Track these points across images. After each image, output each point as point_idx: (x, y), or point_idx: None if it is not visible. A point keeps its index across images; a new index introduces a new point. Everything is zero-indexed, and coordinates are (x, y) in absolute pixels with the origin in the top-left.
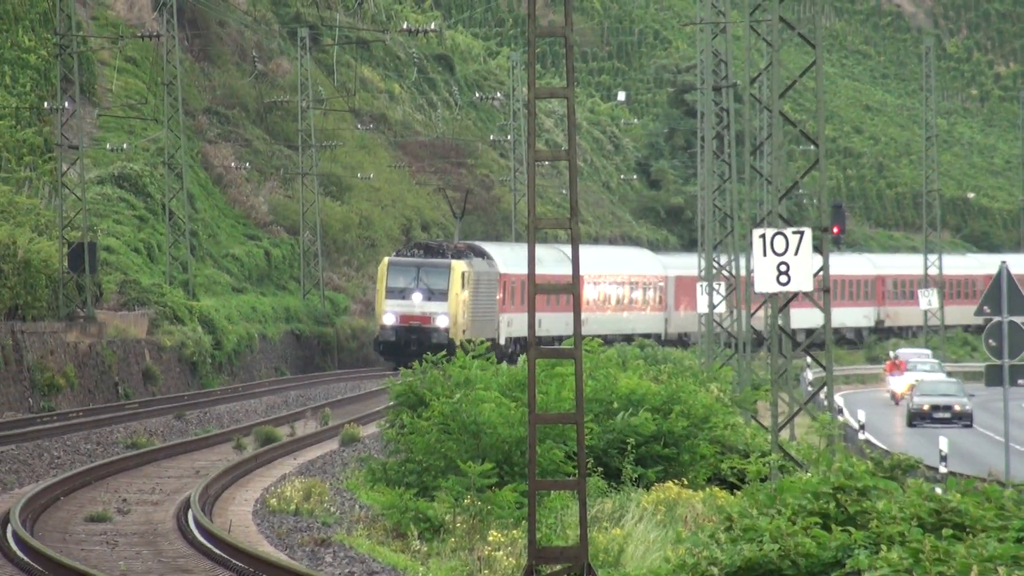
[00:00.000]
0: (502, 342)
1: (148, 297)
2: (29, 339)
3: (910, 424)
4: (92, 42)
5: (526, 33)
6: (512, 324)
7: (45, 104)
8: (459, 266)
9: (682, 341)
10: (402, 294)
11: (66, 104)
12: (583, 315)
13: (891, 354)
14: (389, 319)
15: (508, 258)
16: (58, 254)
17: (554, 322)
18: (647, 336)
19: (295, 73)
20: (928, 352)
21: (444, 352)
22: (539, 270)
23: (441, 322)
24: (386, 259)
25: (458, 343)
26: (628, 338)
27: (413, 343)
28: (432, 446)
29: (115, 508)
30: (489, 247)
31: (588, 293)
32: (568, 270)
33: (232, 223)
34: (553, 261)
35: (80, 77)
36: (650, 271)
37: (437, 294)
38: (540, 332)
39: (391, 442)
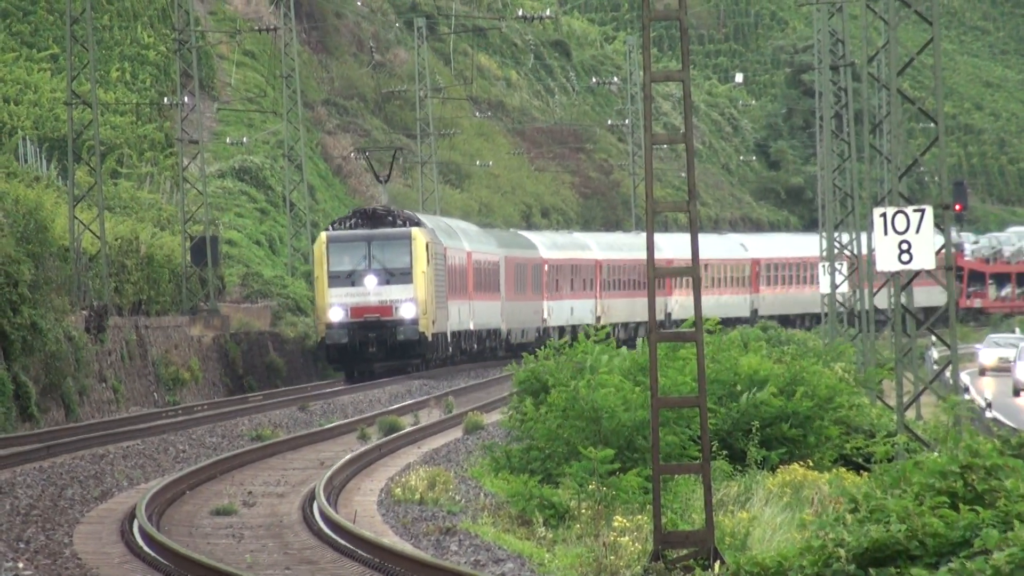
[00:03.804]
0: (449, 338)
1: (270, 289)
2: (153, 334)
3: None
4: (210, 37)
5: (641, 17)
6: (461, 314)
7: (165, 99)
8: (421, 235)
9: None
10: (351, 279)
11: (186, 99)
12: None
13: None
14: (337, 314)
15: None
16: (181, 248)
17: (519, 312)
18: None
19: (412, 62)
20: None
21: (416, 355)
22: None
23: (407, 311)
24: (323, 234)
25: (430, 337)
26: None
27: (372, 343)
28: (553, 432)
29: (240, 501)
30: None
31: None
32: (528, 255)
33: None
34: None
35: (199, 72)
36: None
37: (398, 275)
38: (486, 324)
39: (513, 429)
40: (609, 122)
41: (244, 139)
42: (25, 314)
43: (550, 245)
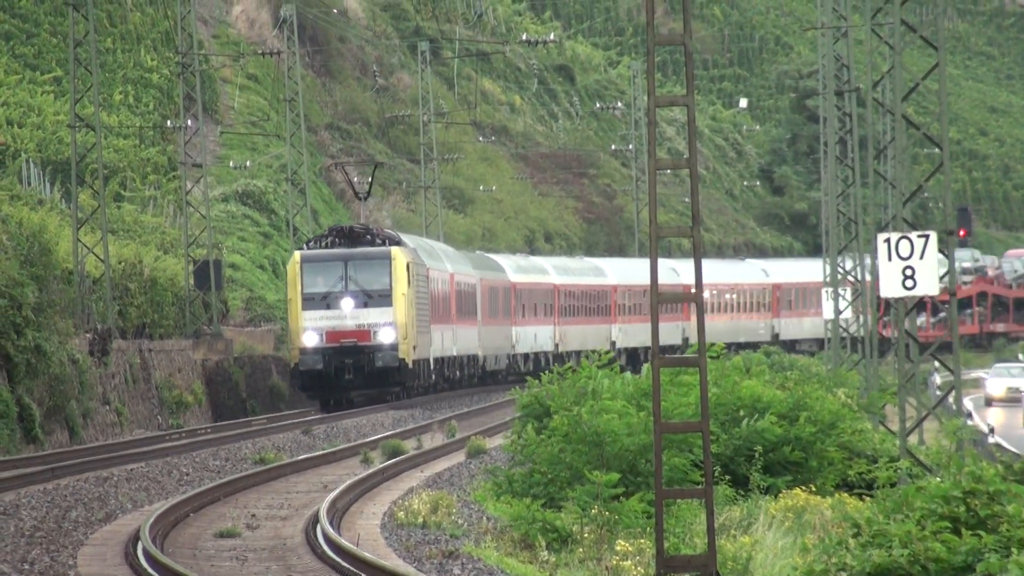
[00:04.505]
0: (432, 364)
1: (274, 313)
2: (157, 357)
3: None
4: (214, 60)
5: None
6: (445, 339)
7: (168, 123)
8: (402, 255)
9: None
10: (326, 301)
11: (189, 122)
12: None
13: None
14: (311, 339)
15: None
16: (184, 272)
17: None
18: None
19: (416, 87)
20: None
21: (396, 383)
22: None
23: (385, 336)
24: (297, 253)
25: (410, 364)
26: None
27: (348, 370)
28: (556, 457)
29: (244, 524)
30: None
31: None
32: (499, 278)
33: None
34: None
35: (202, 95)
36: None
37: (376, 297)
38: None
39: (516, 454)
40: (613, 147)
41: (247, 163)
42: (29, 337)
43: (515, 268)
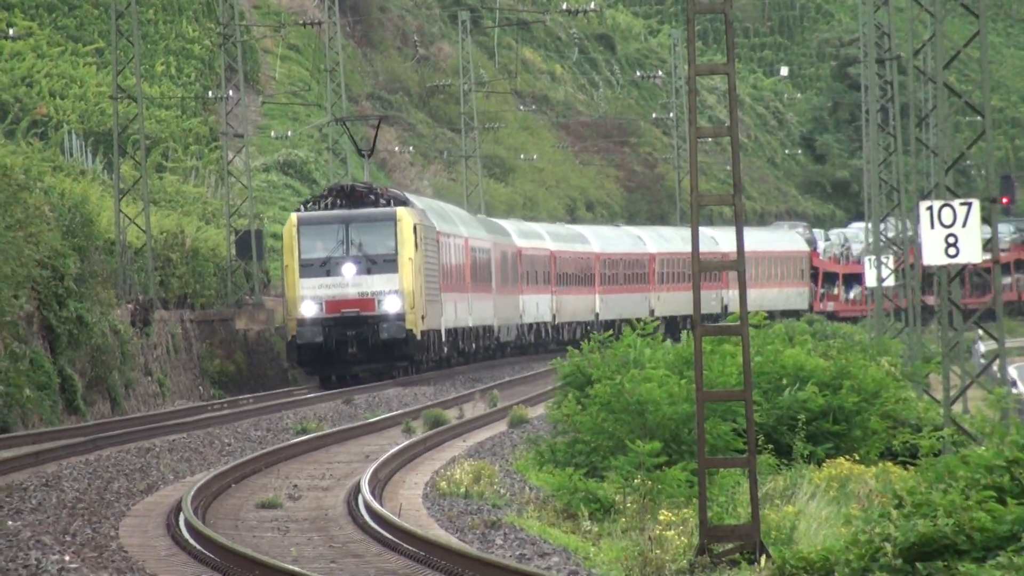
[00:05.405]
0: (444, 336)
1: None
2: (198, 327)
3: None
4: (255, 31)
5: (686, 10)
6: (458, 309)
7: (210, 93)
8: (408, 216)
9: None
10: (325, 268)
11: (230, 93)
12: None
13: None
14: (309, 308)
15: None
16: (225, 242)
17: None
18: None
19: (456, 56)
20: None
21: (403, 357)
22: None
23: (391, 305)
24: (294, 215)
25: (419, 335)
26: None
27: (350, 343)
28: (598, 426)
29: (286, 494)
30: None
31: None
32: (507, 243)
33: None
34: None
35: (244, 66)
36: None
37: (381, 262)
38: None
39: (558, 423)
40: (654, 116)
41: (289, 133)
42: (71, 307)
43: (519, 233)
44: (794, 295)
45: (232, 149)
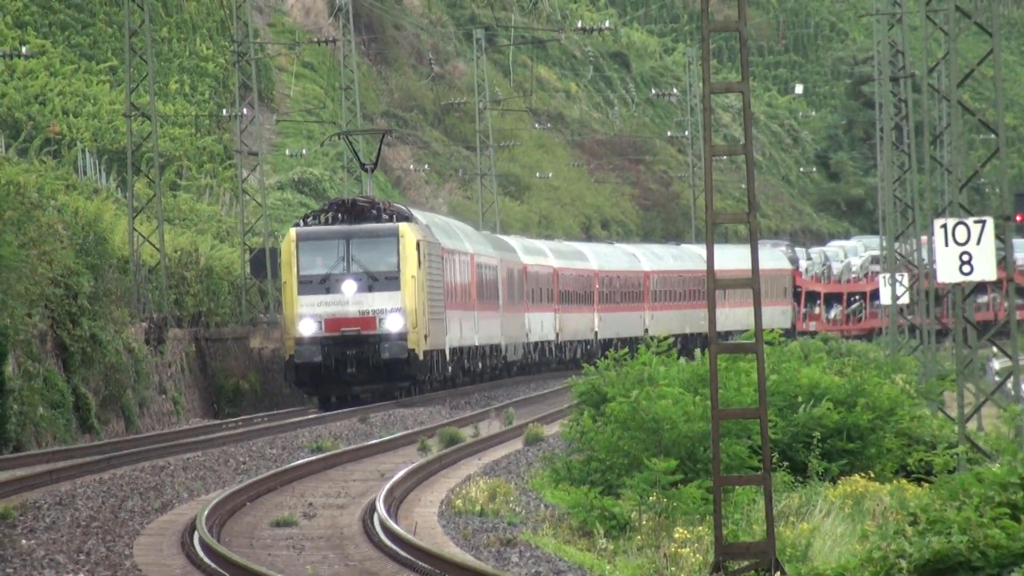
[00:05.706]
0: (448, 356)
1: None
2: (212, 346)
3: None
4: (269, 48)
5: (701, 28)
6: (464, 327)
7: (224, 111)
8: (411, 232)
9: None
10: (325, 285)
11: (245, 111)
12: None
13: None
14: (308, 327)
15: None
16: (240, 260)
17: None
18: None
19: (471, 74)
20: None
21: (404, 377)
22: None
23: (392, 324)
24: (292, 230)
25: (421, 355)
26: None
27: (350, 363)
28: (614, 444)
29: (301, 512)
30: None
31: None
32: (514, 259)
33: None
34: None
35: (258, 83)
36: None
37: (382, 279)
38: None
39: (573, 441)
40: (669, 133)
41: (303, 151)
42: (85, 326)
43: (524, 250)
44: (778, 314)
45: (246, 167)
